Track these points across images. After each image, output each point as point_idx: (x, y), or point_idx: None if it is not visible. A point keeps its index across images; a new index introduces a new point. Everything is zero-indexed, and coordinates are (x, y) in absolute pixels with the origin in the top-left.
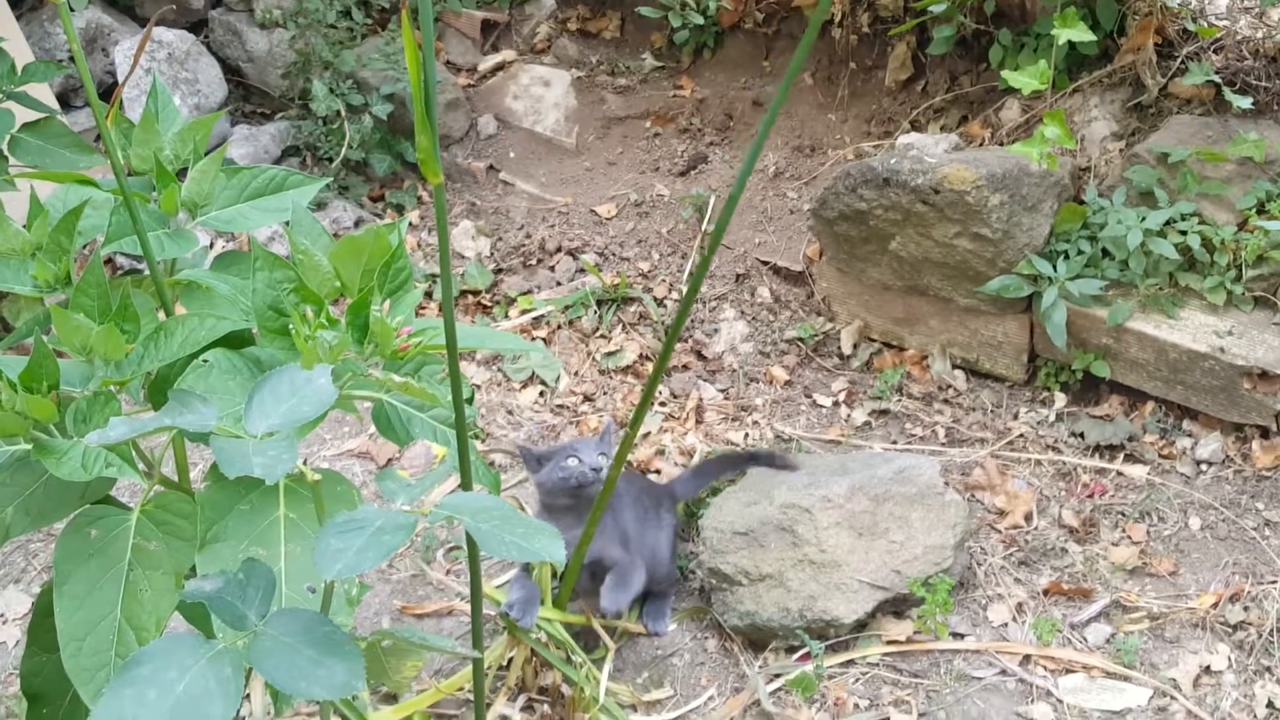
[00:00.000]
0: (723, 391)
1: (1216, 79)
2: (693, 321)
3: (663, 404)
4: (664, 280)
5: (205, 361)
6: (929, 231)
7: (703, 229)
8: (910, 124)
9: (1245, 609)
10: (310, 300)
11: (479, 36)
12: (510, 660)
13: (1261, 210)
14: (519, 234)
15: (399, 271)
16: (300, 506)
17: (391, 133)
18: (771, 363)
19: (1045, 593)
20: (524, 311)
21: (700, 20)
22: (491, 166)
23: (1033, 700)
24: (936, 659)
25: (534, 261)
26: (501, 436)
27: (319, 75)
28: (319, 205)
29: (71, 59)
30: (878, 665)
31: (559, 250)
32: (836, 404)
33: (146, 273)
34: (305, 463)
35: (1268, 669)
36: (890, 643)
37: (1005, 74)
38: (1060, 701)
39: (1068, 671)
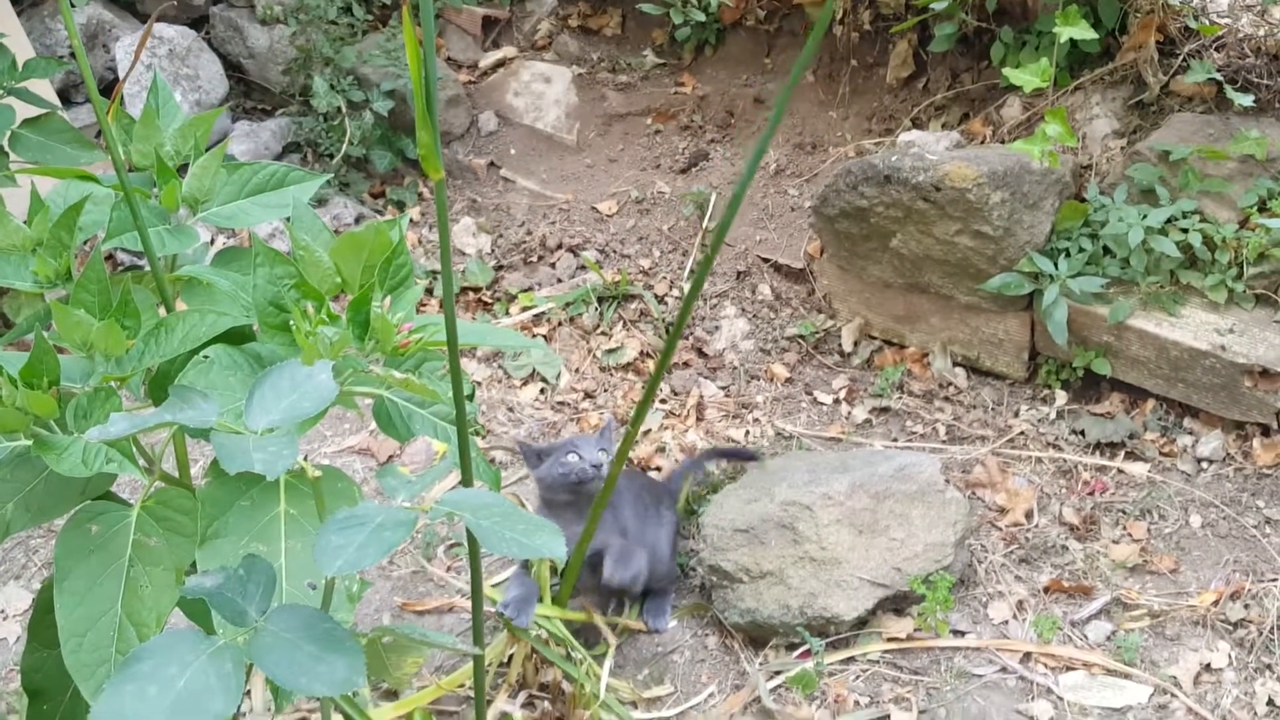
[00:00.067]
0: (724, 389)
1: (1218, 77)
2: (694, 319)
3: (663, 401)
4: (665, 277)
5: (206, 357)
6: (930, 229)
7: (703, 226)
8: (911, 121)
9: (1246, 607)
10: (311, 296)
11: (480, 33)
12: (511, 657)
13: (1263, 208)
14: (520, 231)
15: (400, 268)
16: (301, 503)
17: (392, 129)
18: (772, 360)
19: (1046, 590)
20: (525, 308)
21: (702, 17)
22: (492, 163)
23: (1033, 698)
24: (937, 656)
25: (535, 258)
26: (502, 434)
27: (320, 71)
28: (320, 202)
29: (72, 55)
30: (878, 662)
31: (560, 247)
32: (837, 401)
33: (147, 268)
34: (306, 459)
35: (1268, 667)
36: (891, 640)
37: (1007, 71)
38: (1061, 699)
39: (1068, 669)
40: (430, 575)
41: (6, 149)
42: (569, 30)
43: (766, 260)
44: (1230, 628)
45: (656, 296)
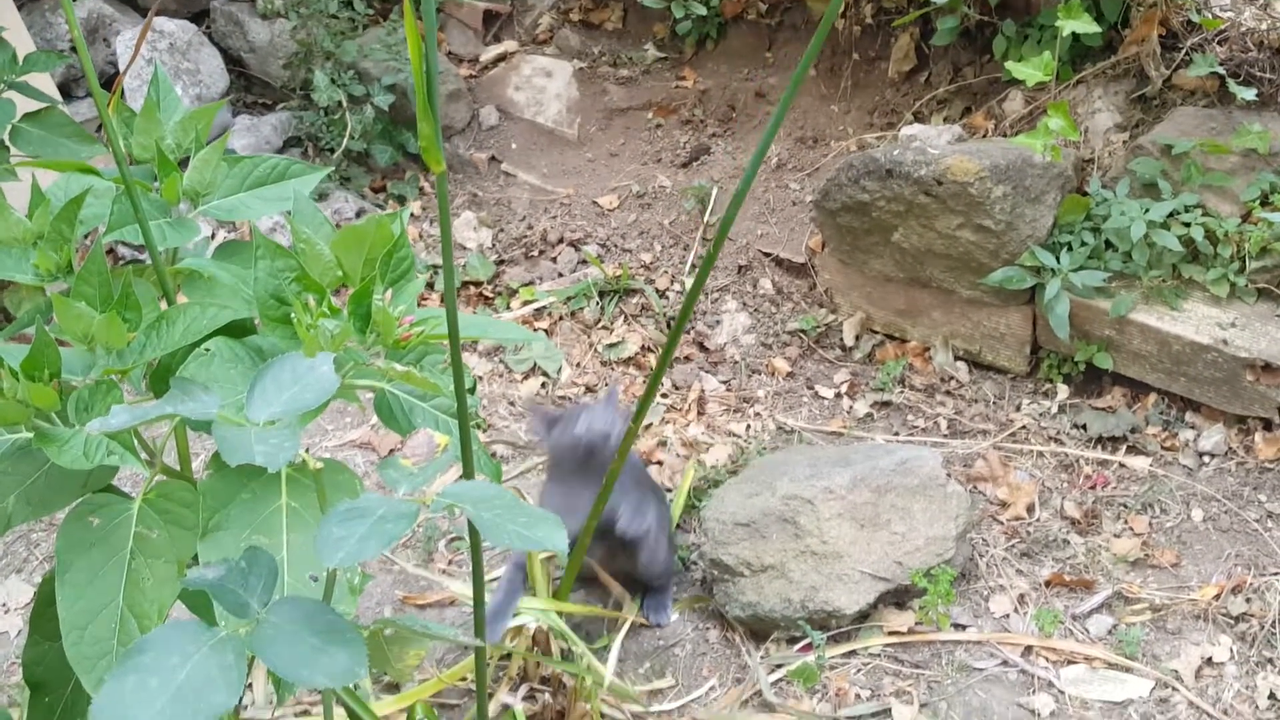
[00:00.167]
0: (725, 383)
1: (1221, 71)
2: (695, 313)
3: (665, 395)
4: (666, 272)
5: (207, 350)
6: (932, 223)
7: (705, 220)
8: (913, 115)
9: (1247, 601)
10: (312, 289)
11: (481, 27)
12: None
13: (1265, 202)
14: (521, 225)
15: (401, 261)
16: (302, 495)
17: (393, 123)
18: (773, 354)
19: (1047, 584)
20: (526, 303)
21: (703, 11)
22: (493, 157)
23: (1034, 691)
24: (938, 650)
25: (536, 253)
26: (503, 428)
27: (320, 66)
28: (320, 196)
29: (73, 49)
30: (879, 656)
31: (561, 241)
32: (838, 395)
33: (148, 262)
34: (308, 452)
35: (1269, 660)
36: (892, 633)
37: (1009, 65)
38: (1062, 693)
39: (1069, 662)
40: (432, 569)
41: (7, 143)
42: (570, 24)
43: (768, 255)
44: (1232, 621)
45: (658, 291)
